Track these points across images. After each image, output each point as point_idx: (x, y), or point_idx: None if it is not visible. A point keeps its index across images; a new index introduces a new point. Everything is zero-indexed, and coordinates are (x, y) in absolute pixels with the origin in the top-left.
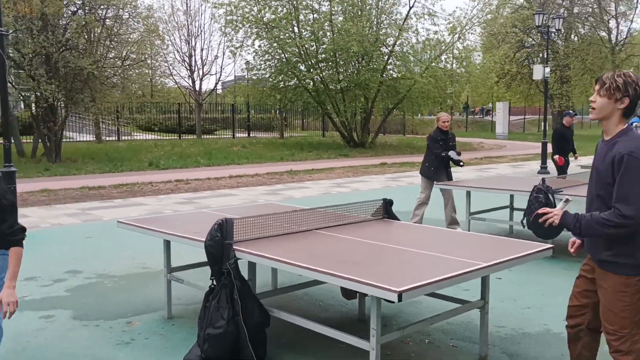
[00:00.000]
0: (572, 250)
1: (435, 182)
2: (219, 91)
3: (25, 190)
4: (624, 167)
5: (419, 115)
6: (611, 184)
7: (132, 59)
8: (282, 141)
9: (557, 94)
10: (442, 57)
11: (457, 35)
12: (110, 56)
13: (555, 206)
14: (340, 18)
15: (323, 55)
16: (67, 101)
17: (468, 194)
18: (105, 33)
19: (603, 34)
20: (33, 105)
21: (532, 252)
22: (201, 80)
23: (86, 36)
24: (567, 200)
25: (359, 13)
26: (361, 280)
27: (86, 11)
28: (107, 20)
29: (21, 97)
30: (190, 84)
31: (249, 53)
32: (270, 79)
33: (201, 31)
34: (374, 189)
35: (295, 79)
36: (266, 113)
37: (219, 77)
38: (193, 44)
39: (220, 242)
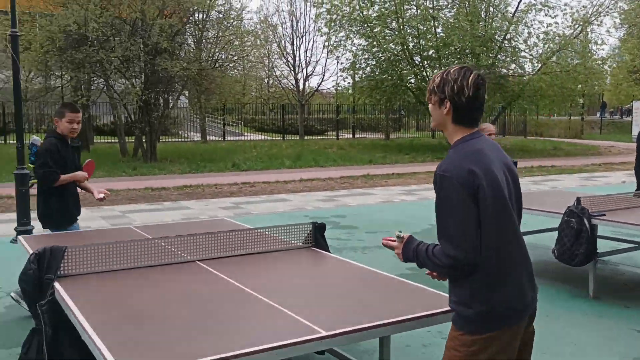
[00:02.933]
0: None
1: None
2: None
3: None
4: (438, 191)
5: (547, 115)
6: None
7: (227, 60)
8: (385, 143)
9: None
10: (560, 53)
11: (578, 28)
12: (220, 57)
13: (590, 234)
14: (446, 12)
15: (430, 53)
16: (162, 103)
17: None
18: (199, 36)
19: None
20: (129, 107)
21: (434, 313)
22: (304, 80)
23: (179, 39)
24: (399, 236)
25: (466, 5)
26: (102, 351)
27: (180, 15)
28: (207, 22)
29: (119, 99)
30: (294, 84)
31: (350, 52)
32: (371, 78)
33: (305, 31)
34: None
35: (396, 77)
36: (376, 113)
37: (323, 78)
38: (297, 44)
39: (34, 277)
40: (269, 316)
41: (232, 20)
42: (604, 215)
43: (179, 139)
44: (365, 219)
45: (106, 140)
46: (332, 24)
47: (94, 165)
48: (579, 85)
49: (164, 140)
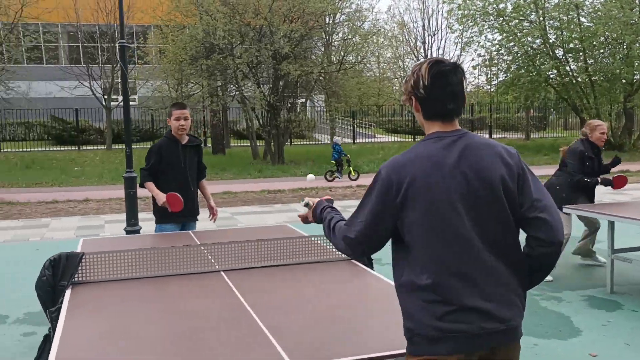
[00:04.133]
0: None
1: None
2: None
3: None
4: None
5: None
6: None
7: (354, 62)
8: (524, 143)
9: None
10: None
11: None
12: (347, 60)
13: None
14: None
15: (575, 44)
16: (289, 107)
17: (611, 224)
18: (327, 39)
19: None
20: (258, 111)
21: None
22: None
23: (305, 44)
24: (307, 204)
25: None
26: None
27: (304, 20)
28: (334, 25)
29: (248, 104)
30: None
31: (482, 47)
32: (506, 75)
33: (437, 29)
34: None
35: (535, 72)
36: (520, 111)
37: None
38: (430, 42)
39: (47, 283)
40: (245, 343)
41: (359, 22)
42: None
43: (311, 142)
44: None
45: (242, 144)
46: (465, 20)
47: (179, 203)
48: None
49: (296, 143)
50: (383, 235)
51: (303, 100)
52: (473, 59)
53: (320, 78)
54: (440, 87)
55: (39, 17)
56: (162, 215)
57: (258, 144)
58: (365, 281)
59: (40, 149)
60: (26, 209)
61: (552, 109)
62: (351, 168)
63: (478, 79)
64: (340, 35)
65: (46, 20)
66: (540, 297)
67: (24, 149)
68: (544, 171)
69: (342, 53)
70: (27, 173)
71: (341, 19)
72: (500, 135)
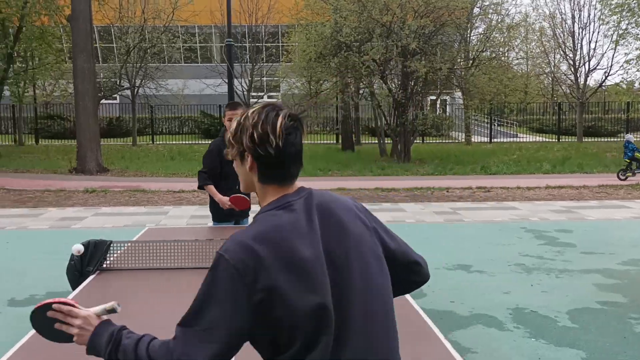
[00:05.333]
0: None
1: None
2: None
3: (324, 188)
4: (209, 271)
5: None
6: None
7: (489, 58)
8: None
9: None
10: None
11: None
12: (481, 56)
13: None
14: None
15: None
16: (416, 105)
17: None
18: (462, 34)
19: None
20: (385, 109)
21: None
22: (586, 76)
23: (436, 40)
24: (113, 309)
25: None
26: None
27: (435, 16)
28: (470, 20)
29: (374, 100)
30: (573, 81)
31: (639, 40)
32: None
33: (589, 21)
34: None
35: None
36: None
37: (609, 72)
38: (580, 36)
39: (76, 268)
40: None
41: (496, 16)
42: None
43: (445, 141)
44: (593, 236)
45: (373, 141)
46: (619, 9)
47: (245, 202)
48: None
49: (428, 141)
50: (237, 350)
51: (434, 97)
52: (626, 53)
53: (453, 74)
54: (289, 147)
55: (187, 20)
56: (217, 216)
57: (387, 141)
58: None
59: (187, 142)
60: (154, 197)
61: None
62: None
63: (631, 74)
64: (480, 30)
65: (194, 22)
66: (636, 320)
67: (174, 142)
68: None
69: (477, 48)
70: (169, 164)
71: (476, 12)
72: None
